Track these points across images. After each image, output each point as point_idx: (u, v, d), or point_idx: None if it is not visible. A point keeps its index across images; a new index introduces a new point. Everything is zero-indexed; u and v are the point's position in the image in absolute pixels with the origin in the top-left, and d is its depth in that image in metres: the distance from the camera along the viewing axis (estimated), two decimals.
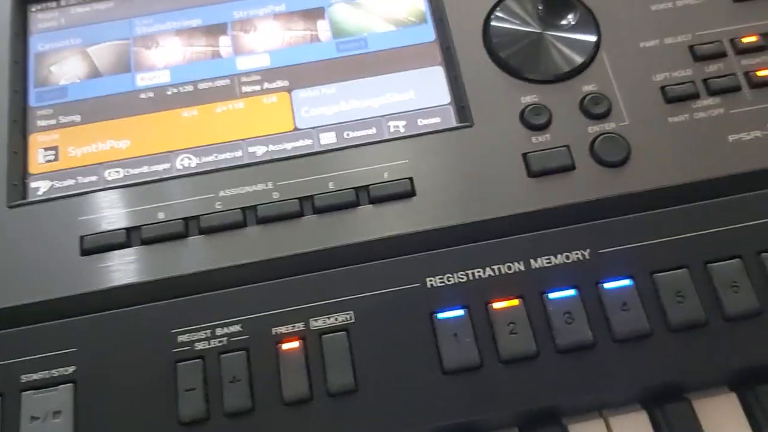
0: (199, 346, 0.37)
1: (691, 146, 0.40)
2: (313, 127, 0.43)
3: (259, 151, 0.42)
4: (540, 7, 0.44)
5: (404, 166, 0.41)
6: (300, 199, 0.40)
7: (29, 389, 0.36)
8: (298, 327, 0.37)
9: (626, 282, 0.37)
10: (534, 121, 0.41)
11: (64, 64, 0.45)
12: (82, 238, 0.39)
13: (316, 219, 0.40)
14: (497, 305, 0.37)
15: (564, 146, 0.40)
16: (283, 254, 0.39)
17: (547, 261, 0.38)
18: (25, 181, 0.42)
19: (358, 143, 0.42)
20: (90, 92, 0.44)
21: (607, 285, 0.37)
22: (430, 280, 0.38)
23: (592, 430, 0.36)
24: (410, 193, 0.40)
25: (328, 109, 0.43)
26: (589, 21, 0.43)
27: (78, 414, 0.36)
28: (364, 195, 0.40)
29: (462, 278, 0.38)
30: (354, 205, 0.40)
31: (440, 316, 0.37)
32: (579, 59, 0.42)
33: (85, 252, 0.39)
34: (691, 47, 0.43)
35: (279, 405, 0.35)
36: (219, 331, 0.37)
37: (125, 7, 0.47)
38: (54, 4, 0.47)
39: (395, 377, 0.36)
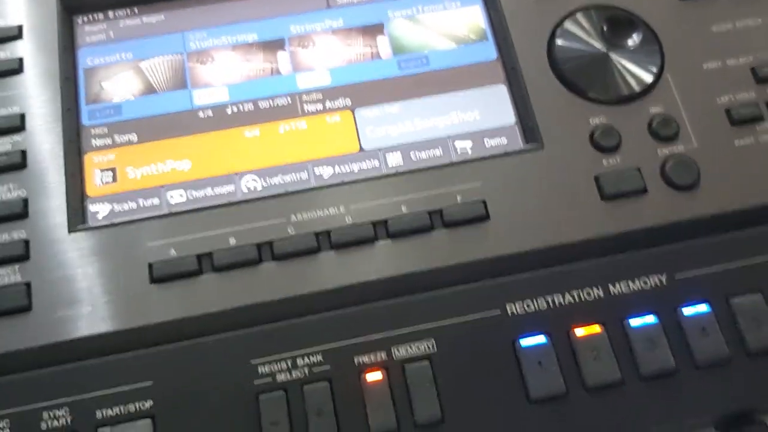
0: (281, 377, 0.36)
1: (758, 169, 0.41)
2: (378, 148, 0.42)
3: (326, 173, 0.42)
4: (604, 27, 0.44)
5: (476, 188, 0.40)
6: (374, 223, 0.39)
7: (106, 425, 0.35)
8: (381, 356, 0.37)
9: (704, 307, 0.38)
10: (604, 143, 0.41)
11: (116, 79, 0.43)
12: (150, 265, 0.38)
13: (391, 244, 0.39)
14: (579, 332, 0.37)
15: (636, 169, 0.40)
16: (359, 281, 0.38)
17: (626, 286, 0.38)
18: (83, 204, 0.40)
19: (426, 165, 0.41)
20: (146, 110, 0.43)
21: (686, 310, 0.37)
22: (510, 307, 0.38)
23: None
24: (484, 217, 0.39)
25: (393, 129, 0.43)
26: (653, 41, 0.43)
27: None
28: (438, 219, 0.39)
29: (542, 305, 0.38)
30: (428, 229, 0.39)
31: (523, 344, 0.37)
32: (647, 80, 0.42)
33: (156, 280, 0.38)
34: (753, 69, 0.43)
35: None
36: (300, 361, 0.37)
37: (176, 21, 0.45)
38: (101, 15, 0.45)
39: (481, 407, 0.36)
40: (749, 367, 0.37)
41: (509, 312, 0.38)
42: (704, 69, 0.43)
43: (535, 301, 0.38)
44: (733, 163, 0.41)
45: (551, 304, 0.38)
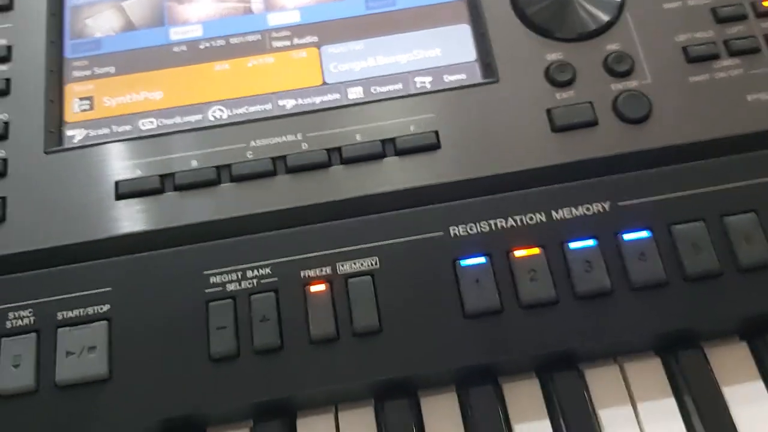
0: (231, 287, 0.38)
1: (710, 105, 0.41)
2: (341, 82, 0.44)
3: (289, 104, 0.43)
4: None
5: (430, 119, 0.42)
6: (328, 150, 0.41)
7: (65, 326, 0.38)
8: (326, 271, 0.38)
9: (644, 233, 0.38)
10: (558, 77, 0.42)
11: (99, 17, 0.46)
12: (117, 183, 0.40)
13: (343, 169, 0.41)
14: (518, 253, 0.38)
15: (587, 102, 0.41)
16: (311, 202, 0.40)
17: (568, 212, 0.39)
18: (61, 129, 0.43)
19: (384, 98, 0.43)
20: (124, 45, 0.45)
21: (626, 236, 0.38)
22: (454, 229, 0.39)
23: (607, 375, 0.38)
24: (435, 146, 0.41)
25: (356, 65, 0.44)
26: None
27: (112, 349, 0.37)
28: (390, 147, 0.41)
29: (484, 228, 0.39)
30: (380, 156, 0.41)
31: (463, 263, 0.38)
32: (604, 18, 0.43)
33: (120, 196, 0.40)
34: (713, 9, 0.43)
35: (306, 343, 0.37)
36: (249, 273, 0.39)
37: None
38: None
39: (418, 320, 0.37)
40: (687, 291, 0.37)
41: (452, 234, 0.39)
42: (664, 8, 0.44)
43: (477, 224, 0.39)
44: (686, 99, 0.41)
45: (493, 227, 0.39)
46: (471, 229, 0.39)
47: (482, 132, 0.41)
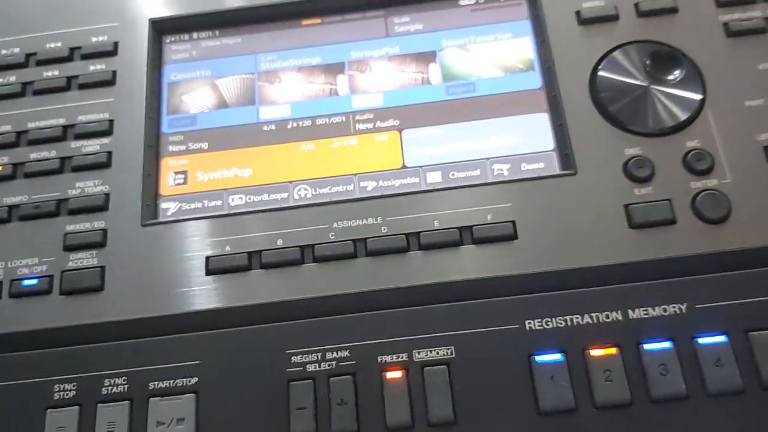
0: (311, 367, 0.40)
1: None
2: (420, 166, 0.46)
3: (370, 185, 0.45)
4: (647, 62, 0.45)
5: (507, 209, 0.43)
6: (407, 235, 0.42)
7: (156, 396, 0.40)
8: (402, 357, 0.40)
9: (721, 338, 0.38)
10: (637, 173, 0.42)
11: (194, 93, 0.49)
12: (207, 258, 0.43)
13: (421, 255, 0.42)
14: (594, 352, 0.39)
15: (666, 200, 0.42)
16: (389, 286, 0.42)
17: (645, 312, 0.39)
18: (156, 201, 0.46)
19: (463, 184, 0.44)
20: (217, 122, 0.48)
21: (702, 340, 0.38)
22: (529, 323, 0.40)
23: None
24: (512, 236, 0.42)
25: (435, 150, 0.46)
26: (696, 77, 0.45)
27: (199, 422, 0.39)
28: (468, 235, 0.42)
29: (560, 323, 0.40)
30: (457, 244, 0.42)
31: (538, 358, 0.39)
32: (684, 115, 0.44)
33: (210, 272, 0.43)
34: None
35: (382, 430, 0.38)
36: (329, 355, 0.40)
37: (251, 43, 0.50)
38: (187, 36, 0.51)
39: (492, 414, 0.38)
40: (763, 401, 0.37)
41: (527, 327, 0.40)
42: (745, 106, 0.44)
43: (553, 320, 0.40)
44: (766, 200, 0.41)
45: (569, 323, 0.40)
46: (547, 324, 0.40)
47: (559, 224, 0.42)
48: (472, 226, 0.42)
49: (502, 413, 0.38)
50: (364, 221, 0.44)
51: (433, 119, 0.47)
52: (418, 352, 0.40)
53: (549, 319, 0.40)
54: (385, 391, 0.39)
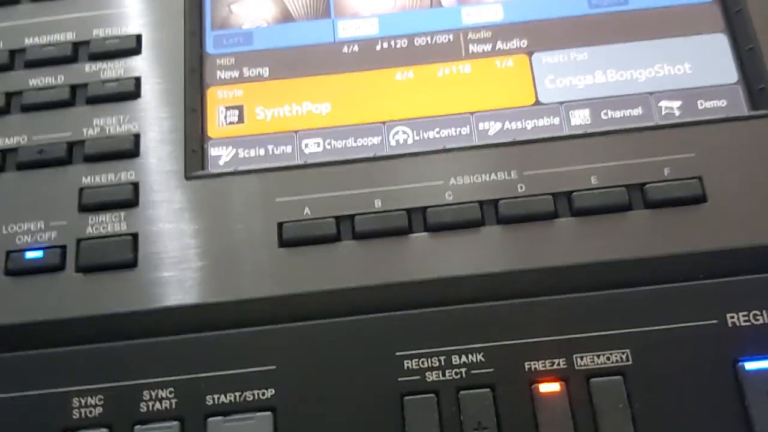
0: (431, 376, 0.29)
1: None
2: (560, 102, 0.34)
3: (493, 128, 0.34)
4: None
5: (690, 161, 0.32)
6: (553, 195, 0.31)
7: (217, 415, 0.29)
8: (559, 364, 0.29)
9: None
10: None
11: (247, 2, 0.37)
12: (280, 225, 0.31)
13: (574, 223, 0.31)
14: None
15: None
16: (530, 266, 0.30)
17: None
18: (204, 146, 0.35)
19: (621, 127, 0.33)
20: (280, 41, 0.36)
21: None
22: (732, 318, 0.29)
23: None
24: (700, 198, 0.31)
25: (580, 80, 0.34)
26: None
27: None
28: (638, 196, 0.31)
29: None
30: (625, 208, 0.31)
31: (747, 366, 0.29)
32: None
33: (285, 243, 0.31)
34: None
35: None
36: (456, 360, 0.29)
37: None
38: None
39: None
40: None
41: (730, 323, 0.29)
42: None
43: (765, 312, 0.29)
44: None
45: None
46: (756, 318, 0.29)
47: (760, 183, 0.31)
48: (644, 184, 0.31)
49: None
50: (493, 176, 0.32)
51: (572, 39, 0.35)
52: (581, 357, 0.29)
53: (758, 312, 0.29)
54: (538, 411, 0.28)
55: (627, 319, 0.29)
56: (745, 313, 0.29)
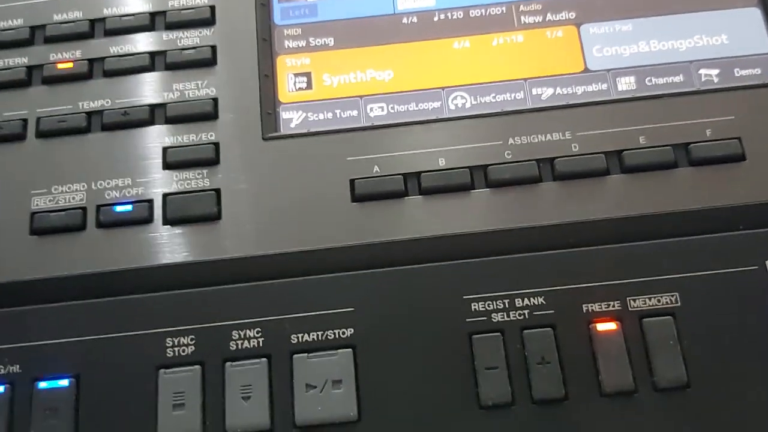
0: (497, 317, 0.32)
1: None
2: (607, 69, 0.37)
3: (545, 93, 0.36)
4: None
5: (729, 123, 0.34)
6: (606, 153, 0.34)
7: (302, 352, 0.32)
8: (614, 306, 0.32)
9: None
10: None
11: None
12: (352, 181, 0.34)
13: (625, 179, 0.33)
14: None
15: None
16: (588, 218, 0.33)
17: None
18: (276, 110, 0.37)
19: (665, 92, 0.35)
20: (344, 12, 0.38)
21: None
22: None
23: None
24: (740, 157, 0.33)
25: (625, 49, 0.37)
26: None
27: (360, 385, 0.31)
28: (683, 155, 0.34)
29: None
30: (672, 166, 0.34)
31: None
32: None
33: (358, 198, 0.34)
34: None
35: (596, 396, 0.30)
36: (519, 302, 0.32)
37: None
38: None
39: (734, 376, 0.30)
40: None
41: None
42: None
43: None
44: None
45: None
46: None
47: None
48: (689, 143, 0.34)
49: (747, 375, 0.30)
50: (549, 136, 0.35)
51: (617, 12, 0.38)
52: (634, 300, 0.32)
53: None
54: (596, 347, 0.31)
55: (675, 266, 0.32)
56: None
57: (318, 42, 0.38)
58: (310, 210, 0.34)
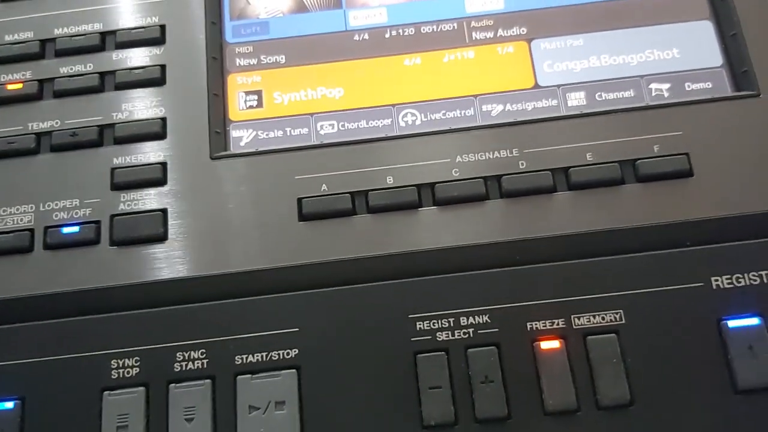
0: (442, 336, 0.32)
1: None
2: (557, 85, 0.37)
3: (495, 110, 0.36)
4: None
5: (678, 138, 0.34)
6: (552, 170, 0.34)
7: (245, 373, 0.32)
8: (558, 324, 0.32)
9: None
10: None
11: None
12: (300, 200, 0.34)
13: (572, 197, 0.33)
14: None
15: None
16: (532, 236, 0.33)
17: None
18: (226, 128, 0.37)
19: (614, 108, 0.35)
20: (296, 29, 0.38)
21: None
22: (716, 280, 0.32)
23: None
24: (687, 173, 0.33)
25: (576, 65, 0.37)
26: None
27: (304, 405, 0.31)
28: (630, 171, 0.34)
29: (755, 279, 0.32)
30: (618, 182, 0.33)
31: (731, 324, 0.31)
32: None
33: (305, 217, 0.34)
34: None
35: (540, 414, 0.30)
36: (464, 321, 0.32)
37: None
38: None
39: (677, 393, 0.30)
40: None
41: (714, 285, 0.32)
42: None
43: (746, 276, 0.32)
44: None
45: (765, 279, 0.32)
46: (738, 281, 0.32)
47: (742, 158, 0.34)
48: (636, 159, 0.34)
49: (689, 392, 0.30)
50: (496, 154, 0.35)
51: (568, 27, 0.38)
52: (578, 318, 0.32)
53: (741, 275, 0.32)
54: (539, 366, 0.31)
55: (620, 283, 0.32)
56: (728, 276, 0.32)
57: (269, 60, 0.38)
58: (257, 229, 0.34)
